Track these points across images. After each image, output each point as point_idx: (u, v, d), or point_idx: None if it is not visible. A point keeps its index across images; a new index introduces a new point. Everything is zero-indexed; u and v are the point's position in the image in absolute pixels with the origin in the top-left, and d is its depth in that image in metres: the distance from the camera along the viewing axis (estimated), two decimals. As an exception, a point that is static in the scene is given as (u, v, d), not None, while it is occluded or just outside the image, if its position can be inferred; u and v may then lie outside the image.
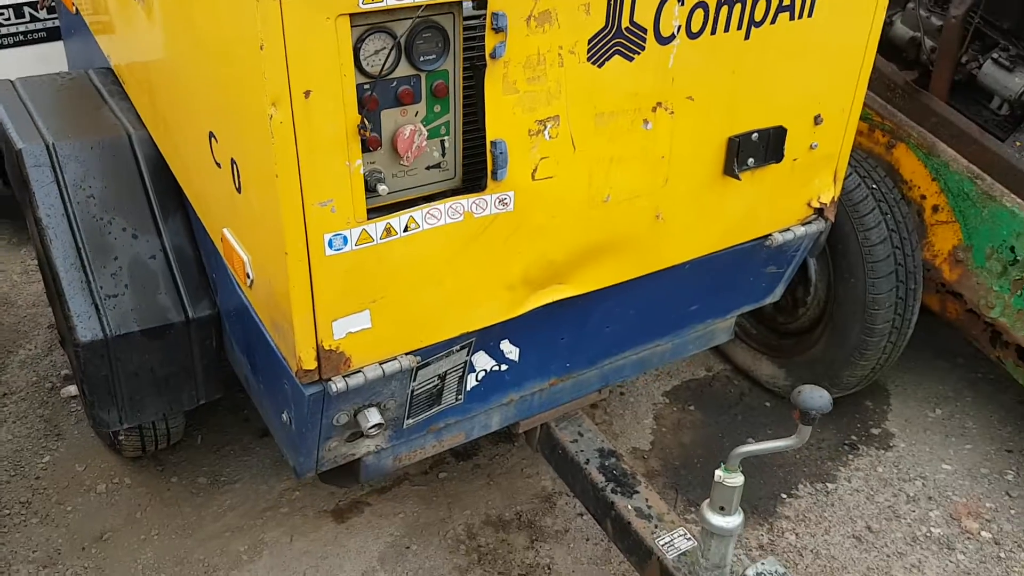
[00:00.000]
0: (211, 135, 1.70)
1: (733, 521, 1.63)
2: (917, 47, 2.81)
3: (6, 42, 3.37)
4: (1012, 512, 2.58)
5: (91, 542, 2.39)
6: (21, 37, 3.40)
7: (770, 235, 2.16)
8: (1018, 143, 2.65)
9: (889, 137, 2.67)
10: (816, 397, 1.49)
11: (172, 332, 2.08)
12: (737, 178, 1.94)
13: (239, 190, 1.64)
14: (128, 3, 2.02)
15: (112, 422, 2.11)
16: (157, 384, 2.12)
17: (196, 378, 2.16)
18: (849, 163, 2.57)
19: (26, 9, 3.38)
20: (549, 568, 2.36)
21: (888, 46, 2.90)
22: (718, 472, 1.61)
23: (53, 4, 3.20)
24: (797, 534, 2.49)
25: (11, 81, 2.37)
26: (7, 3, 3.33)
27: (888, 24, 2.91)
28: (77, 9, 2.72)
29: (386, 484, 2.61)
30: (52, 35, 3.42)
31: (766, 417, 2.91)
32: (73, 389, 2.92)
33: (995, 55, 2.67)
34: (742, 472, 1.61)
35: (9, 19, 3.36)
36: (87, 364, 2.01)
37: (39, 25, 3.42)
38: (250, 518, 2.49)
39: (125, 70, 2.30)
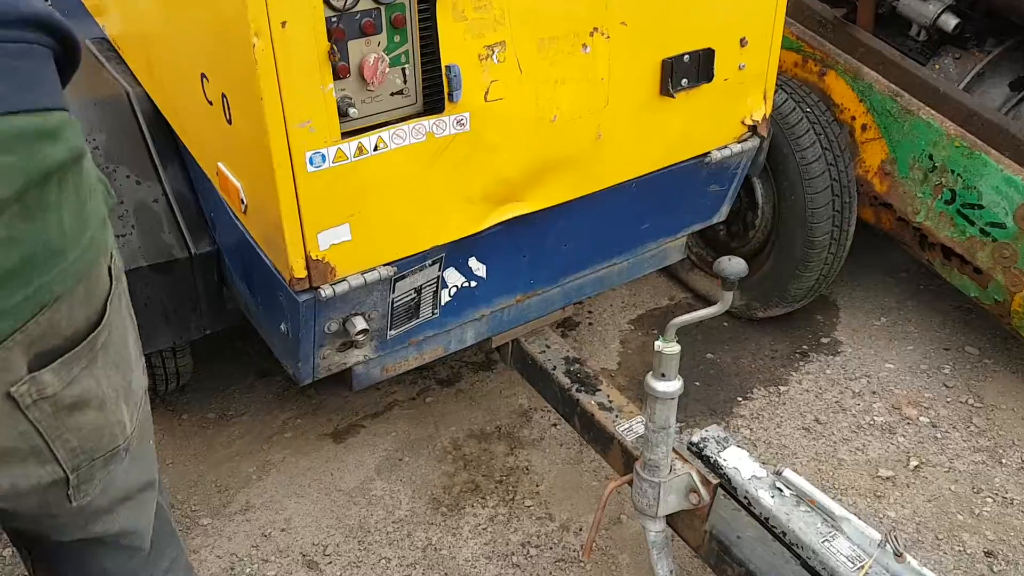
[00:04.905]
0: (203, 76, 1.93)
1: (673, 385, 1.87)
2: (844, -15, 3.06)
3: None
4: (948, 400, 2.84)
5: (112, 472, 2.63)
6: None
7: (709, 153, 2.40)
8: (937, 67, 2.91)
9: (820, 66, 2.92)
10: (733, 264, 1.73)
11: (177, 267, 2.31)
12: (672, 97, 2.18)
13: (230, 122, 1.87)
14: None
15: (126, 350, 2.35)
16: (166, 315, 2.35)
17: (201, 309, 2.39)
18: (785, 90, 2.82)
19: None
20: (527, 469, 2.61)
21: (818, -14, 3.15)
22: (658, 343, 1.84)
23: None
24: (751, 429, 2.74)
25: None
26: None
27: (818, -34, 3.16)
28: (68, -10, 2.95)
29: (378, 409, 2.85)
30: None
31: (723, 334, 3.15)
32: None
33: (912, -14, 2.92)
34: (678, 342, 1.85)
35: None
36: (102, 298, 2.25)
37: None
38: (257, 444, 2.73)
39: (120, 37, 2.52)
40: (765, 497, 1.89)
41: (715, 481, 1.96)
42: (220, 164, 2.03)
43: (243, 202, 1.98)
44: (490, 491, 2.53)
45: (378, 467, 2.63)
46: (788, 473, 1.90)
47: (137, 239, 2.28)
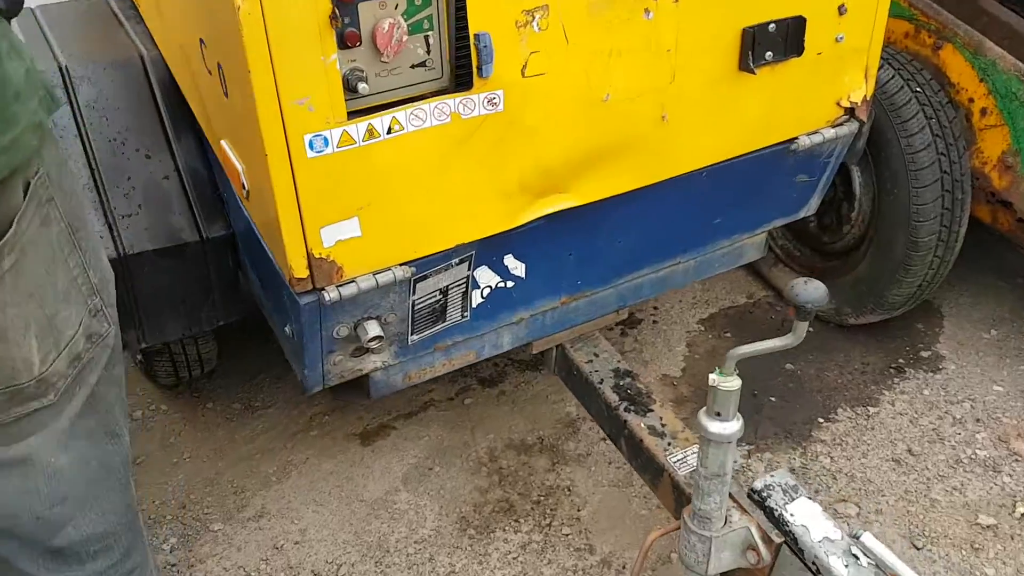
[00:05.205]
0: (201, 41, 1.68)
1: (730, 427, 1.55)
2: (971, -58, 2.60)
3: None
4: (1068, 436, 2.43)
5: (127, 464, 2.47)
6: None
7: (796, 139, 2.04)
8: (1082, 40, 2.45)
9: (935, 38, 2.50)
10: (810, 289, 1.40)
11: (187, 252, 2.10)
12: (753, 73, 1.83)
13: (226, 95, 1.62)
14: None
15: (130, 341, 2.15)
16: (175, 304, 2.14)
17: (214, 298, 2.17)
18: (892, 65, 2.42)
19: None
20: (569, 489, 2.33)
21: (939, -57, 2.70)
22: (713, 376, 1.53)
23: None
24: (832, 457, 2.39)
25: (32, 9, 2.40)
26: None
27: (940, -81, 2.70)
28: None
29: (412, 409, 2.61)
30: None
31: (806, 342, 2.73)
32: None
33: (1056, -56, 2.45)
34: (739, 375, 1.53)
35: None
36: (104, 283, 2.05)
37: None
38: (280, 441, 2.53)
39: (139, -7, 2.31)
40: (837, 565, 1.56)
41: (779, 540, 1.64)
42: (223, 142, 1.79)
43: (244, 187, 1.73)
44: (525, 513, 2.27)
45: (405, 476, 2.39)
46: (867, 538, 1.57)
47: (144, 220, 2.07)
